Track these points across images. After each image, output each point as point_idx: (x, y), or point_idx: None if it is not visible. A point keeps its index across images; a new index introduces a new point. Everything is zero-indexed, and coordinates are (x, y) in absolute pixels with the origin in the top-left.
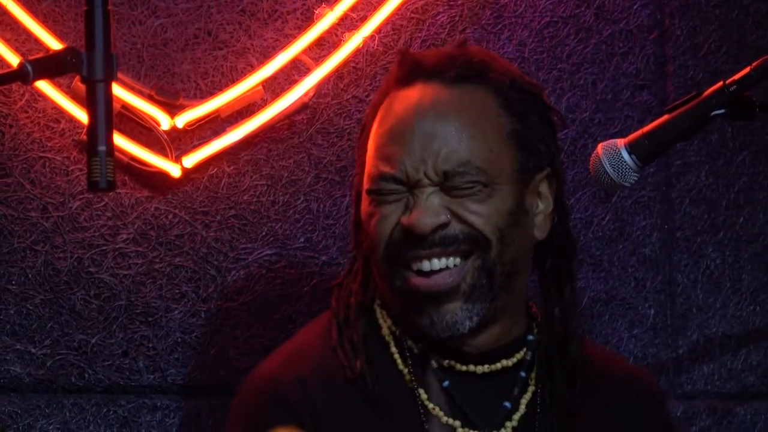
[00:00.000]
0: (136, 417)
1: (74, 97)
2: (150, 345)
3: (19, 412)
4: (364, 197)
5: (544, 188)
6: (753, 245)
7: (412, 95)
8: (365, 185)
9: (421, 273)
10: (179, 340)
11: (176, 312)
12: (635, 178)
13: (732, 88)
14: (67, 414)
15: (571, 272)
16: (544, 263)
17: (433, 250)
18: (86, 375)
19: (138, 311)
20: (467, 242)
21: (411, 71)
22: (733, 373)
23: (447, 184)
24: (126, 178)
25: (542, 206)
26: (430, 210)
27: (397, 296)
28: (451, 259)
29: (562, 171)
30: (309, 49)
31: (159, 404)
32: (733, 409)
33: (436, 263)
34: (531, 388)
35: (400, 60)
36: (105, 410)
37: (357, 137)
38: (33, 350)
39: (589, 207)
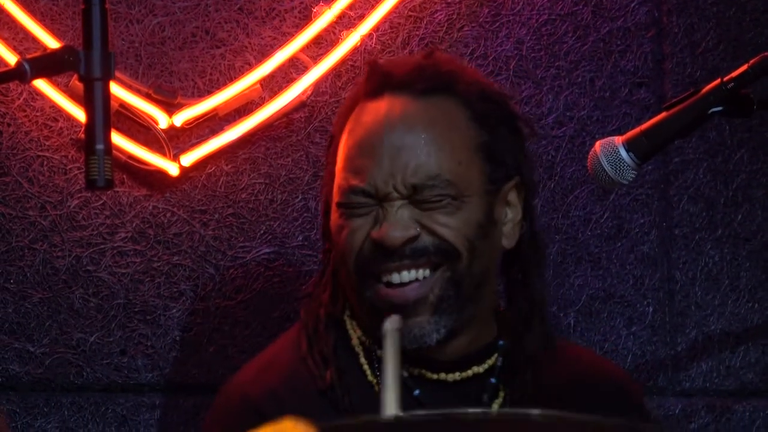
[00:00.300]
0: (135, 415)
1: (72, 95)
2: (148, 343)
3: (18, 410)
4: (334, 209)
5: (512, 197)
6: (751, 243)
7: (381, 107)
8: (335, 198)
9: (390, 285)
10: (178, 338)
11: (175, 310)
12: (633, 176)
13: (729, 86)
14: (66, 412)
15: (538, 277)
16: (511, 270)
17: (403, 263)
18: (85, 373)
19: (136, 310)
20: (437, 254)
21: (380, 83)
22: (731, 370)
23: (416, 197)
24: (124, 176)
25: (511, 215)
26: (400, 223)
27: (366, 307)
28: (421, 271)
29: (530, 179)
30: (307, 48)
31: (158, 402)
32: (731, 406)
33: (406, 275)
34: (501, 393)
35: (369, 71)
36: (103, 409)
37: (328, 148)
38: (31, 349)
39: (587, 205)
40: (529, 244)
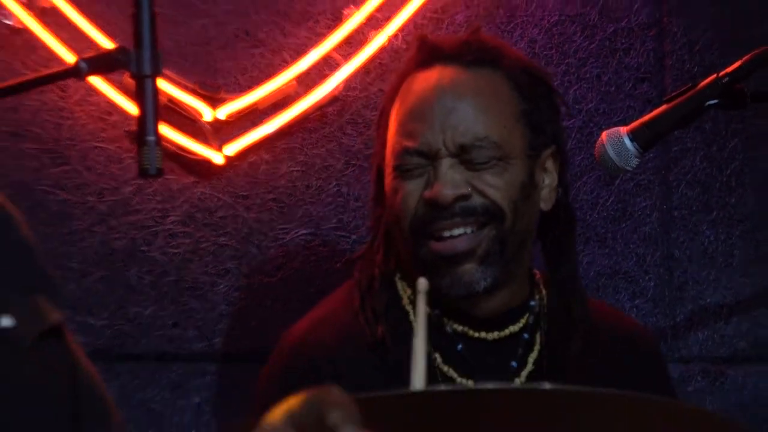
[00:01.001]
0: (186, 381)
1: (125, 91)
2: (198, 316)
3: None
4: (388, 173)
5: (549, 165)
6: (744, 224)
7: (432, 76)
8: (390, 161)
9: (441, 239)
10: (224, 311)
11: (221, 286)
12: (636, 163)
13: (725, 80)
14: (124, 379)
15: (572, 240)
16: (548, 233)
17: (454, 221)
18: (140, 344)
19: (186, 286)
20: (485, 215)
21: (430, 55)
22: (725, 339)
23: (465, 156)
24: (173, 165)
25: (548, 180)
26: (452, 182)
27: (419, 263)
28: (470, 228)
29: (565, 150)
30: (338, 47)
31: (207, 369)
32: (725, 371)
33: (456, 231)
34: (537, 347)
35: (419, 45)
36: (158, 376)
37: (377, 120)
38: (92, 322)
39: (594, 189)
40: (564, 209)
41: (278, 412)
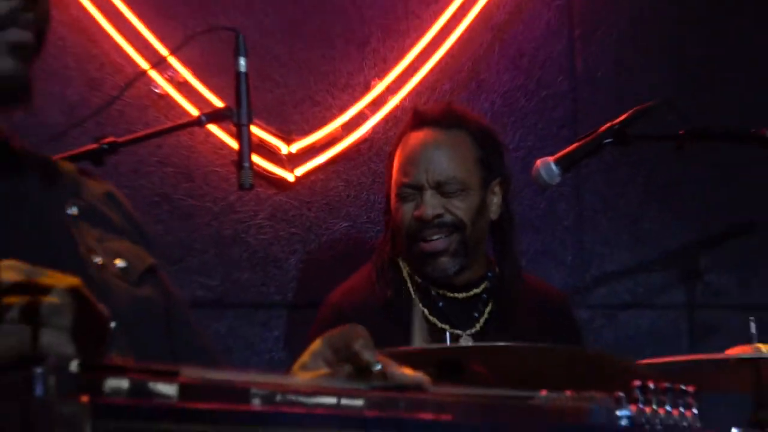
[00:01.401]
0: (269, 321)
1: (230, 134)
2: (277, 279)
3: (200, 320)
4: (393, 198)
5: (497, 190)
6: (628, 218)
7: (420, 135)
8: (393, 190)
9: (426, 241)
10: (293, 276)
11: (292, 260)
12: (559, 180)
13: (616, 127)
14: (229, 320)
15: (512, 237)
16: (496, 233)
17: (433, 230)
18: (240, 297)
19: (270, 259)
20: (453, 226)
21: (420, 120)
22: (616, 293)
23: (440, 189)
24: (261, 182)
25: (496, 200)
26: (432, 206)
27: (412, 256)
28: (443, 234)
29: (508, 178)
30: (368, 106)
31: (282, 314)
32: (616, 314)
33: (435, 237)
34: (490, 304)
35: (413, 114)
36: (251, 318)
37: (387, 163)
38: (209, 282)
39: (531, 198)
40: (507, 217)
41: (320, 339)
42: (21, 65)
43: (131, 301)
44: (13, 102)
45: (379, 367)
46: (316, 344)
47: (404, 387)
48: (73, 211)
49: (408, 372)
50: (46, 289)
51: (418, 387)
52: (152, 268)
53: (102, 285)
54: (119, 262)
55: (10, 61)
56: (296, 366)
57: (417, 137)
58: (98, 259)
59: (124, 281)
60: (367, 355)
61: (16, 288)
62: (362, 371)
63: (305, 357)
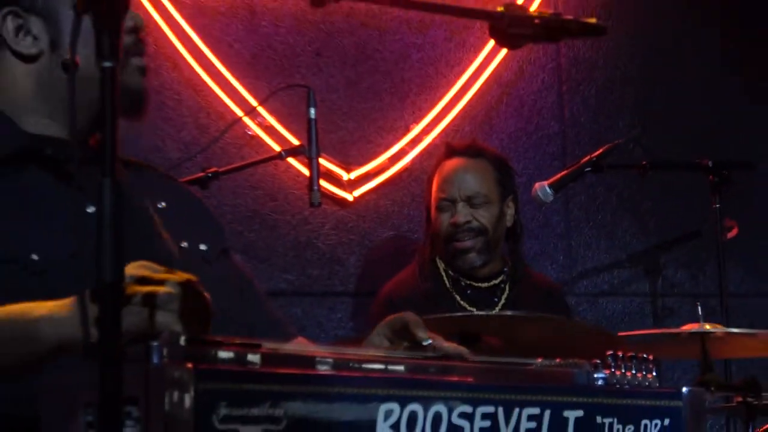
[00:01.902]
0: (335, 306)
1: (304, 164)
2: (340, 274)
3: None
4: (433, 209)
5: (510, 204)
6: (606, 228)
7: (453, 162)
8: (433, 204)
9: (459, 241)
10: (353, 272)
11: (351, 259)
12: (552, 198)
13: (594, 159)
14: (304, 306)
15: (521, 240)
16: (510, 237)
17: (464, 233)
18: (313, 288)
19: (334, 259)
20: (478, 231)
21: (451, 152)
22: (596, 283)
23: (469, 202)
24: (327, 201)
25: (510, 212)
26: (463, 215)
27: (448, 253)
28: (471, 236)
29: (518, 196)
30: (408, 143)
31: (345, 301)
32: (597, 300)
33: (465, 238)
34: (506, 291)
35: (445, 147)
36: (321, 303)
37: (426, 185)
38: (287, 277)
39: (531, 212)
40: (517, 226)
41: (382, 322)
42: (143, 82)
43: (211, 277)
44: (138, 111)
45: (429, 341)
46: (380, 326)
47: (449, 356)
48: (163, 205)
49: (452, 345)
50: (163, 282)
51: (459, 357)
52: (226, 251)
53: (187, 264)
54: (201, 246)
55: (138, 78)
56: (365, 342)
57: (451, 164)
58: (184, 244)
59: (205, 262)
60: (420, 332)
61: (141, 280)
62: (416, 345)
63: (372, 335)
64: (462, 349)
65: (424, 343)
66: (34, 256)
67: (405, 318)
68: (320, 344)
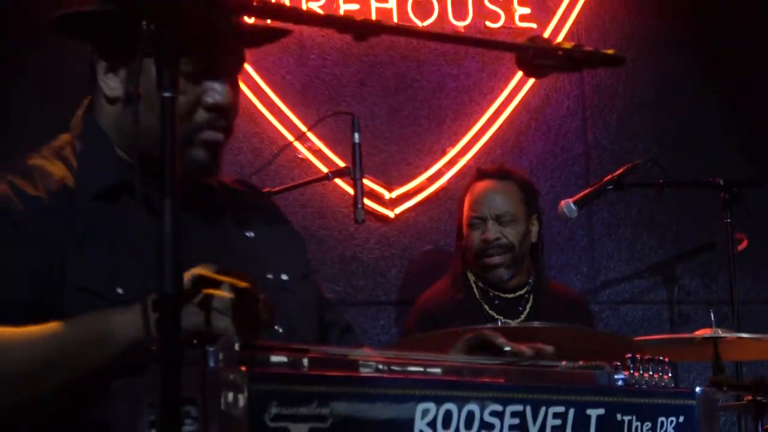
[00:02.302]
0: (378, 313)
1: (349, 184)
2: (384, 285)
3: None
4: (465, 227)
5: (534, 221)
6: (627, 241)
7: (484, 184)
8: (465, 222)
9: (488, 257)
10: (394, 283)
11: (393, 271)
12: (576, 214)
13: (615, 178)
14: (352, 314)
15: (542, 254)
16: (534, 252)
17: (493, 249)
18: (358, 297)
19: (377, 271)
20: (506, 247)
21: (482, 174)
22: (618, 292)
23: (498, 220)
24: (370, 218)
25: (534, 229)
26: (493, 232)
27: (479, 267)
28: (500, 252)
29: (541, 215)
30: (444, 165)
31: (388, 309)
32: (618, 308)
33: (495, 254)
34: (531, 302)
35: (476, 170)
36: (367, 311)
37: (459, 204)
38: (335, 288)
39: (557, 227)
40: (541, 242)
41: (459, 341)
42: (210, 157)
43: (293, 306)
44: (203, 177)
45: (508, 348)
46: (458, 345)
47: (528, 358)
48: (251, 234)
49: (529, 346)
50: (219, 285)
51: (535, 358)
52: (307, 275)
53: (272, 296)
54: (284, 276)
55: (202, 153)
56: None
57: (481, 185)
58: (270, 275)
59: (287, 291)
60: (500, 341)
61: (201, 281)
62: (497, 353)
63: (451, 352)
64: (543, 348)
65: (506, 349)
66: (120, 290)
67: (481, 333)
68: (382, 350)
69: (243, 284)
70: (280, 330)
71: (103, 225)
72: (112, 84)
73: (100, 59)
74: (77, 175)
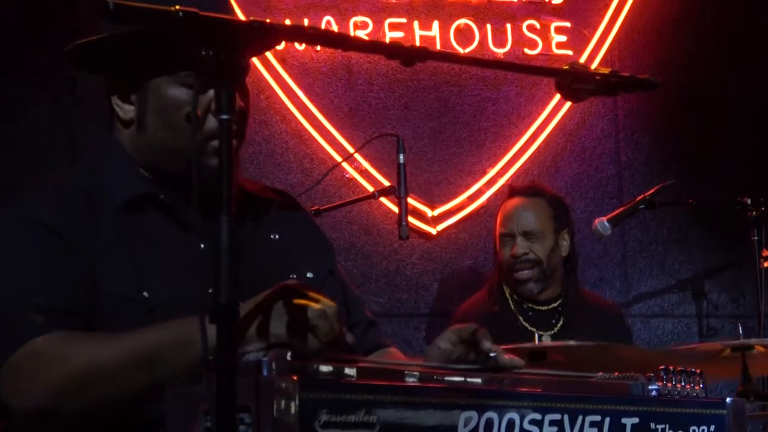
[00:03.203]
0: (420, 324)
1: (394, 202)
2: (425, 298)
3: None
4: (498, 244)
5: (565, 236)
6: (657, 257)
7: (513, 201)
8: (498, 239)
9: (518, 271)
10: (436, 296)
11: (435, 285)
12: (610, 232)
13: (648, 198)
14: (394, 324)
15: (576, 267)
16: (566, 265)
17: (522, 265)
18: (401, 308)
19: (420, 285)
20: (534, 261)
21: (513, 192)
22: (649, 306)
23: (527, 236)
24: (414, 234)
25: (565, 243)
26: (521, 248)
27: (511, 281)
28: (529, 267)
29: (573, 228)
30: (483, 185)
31: (424, 320)
32: (650, 320)
33: (524, 268)
34: (564, 314)
35: (509, 188)
36: (408, 323)
37: (495, 220)
38: (381, 301)
39: (591, 244)
40: (572, 255)
41: (451, 328)
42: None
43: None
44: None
45: (494, 354)
46: (448, 332)
47: (506, 368)
48: (275, 236)
49: (510, 356)
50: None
51: (516, 367)
52: (332, 271)
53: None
54: (309, 274)
55: (216, 160)
56: (432, 344)
57: (511, 203)
58: (293, 275)
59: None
60: (487, 343)
61: (289, 293)
62: (480, 354)
63: (439, 340)
64: (518, 361)
65: (491, 354)
66: (145, 294)
67: (473, 328)
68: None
69: (326, 300)
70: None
71: (127, 234)
72: (126, 107)
73: (114, 84)
74: (105, 186)
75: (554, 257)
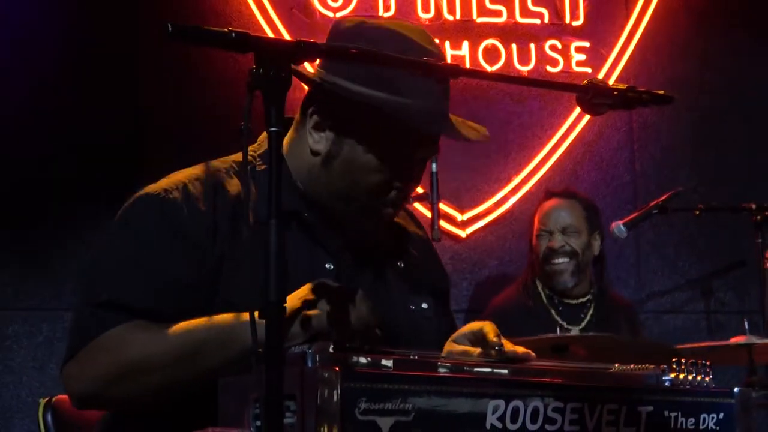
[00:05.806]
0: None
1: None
2: (455, 296)
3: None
4: (534, 239)
5: (597, 237)
6: (668, 259)
7: (552, 202)
8: (534, 234)
9: (554, 264)
10: (466, 294)
11: (464, 283)
12: (626, 234)
13: (660, 204)
14: None
15: (605, 266)
16: (596, 264)
17: (559, 255)
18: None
19: (451, 283)
20: (570, 253)
21: (551, 194)
22: (661, 303)
23: (564, 231)
24: (446, 236)
25: (596, 243)
26: (558, 242)
27: (545, 273)
28: (565, 260)
29: (603, 231)
30: (510, 190)
31: (458, 316)
32: (661, 316)
33: (560, 260)
34: (592, 309)
35: (546, 192)
36: None
37: (530, 221)
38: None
39: (609, 244)
40: (602, 255)
41: (464, 327)
42: (375, 226)
43: (433, 332)
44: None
45: (498, 347)
46: (463, 329)
47: (516, 360)
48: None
49: (520, 349)
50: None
51: (526, 360)
52: (446, 303)
53: (413, 324)
54: (424, 305)
55: (374, 224)
56: (449, 340)
57: (550, 203)
58: (412, 306)
59: (426, 319)
60: (493, 338)
61: (323, 290)
62: (486, 348)
63: (455, 335)
64: (527, 354)
65: (495, 347)
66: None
67: (482, 326)
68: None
69: (360, 295)
70: (416, 357)
71: (264, 246)
72: (316, 136)
73: (318, 108)
74: (258, 195)
75: (587, 254)
